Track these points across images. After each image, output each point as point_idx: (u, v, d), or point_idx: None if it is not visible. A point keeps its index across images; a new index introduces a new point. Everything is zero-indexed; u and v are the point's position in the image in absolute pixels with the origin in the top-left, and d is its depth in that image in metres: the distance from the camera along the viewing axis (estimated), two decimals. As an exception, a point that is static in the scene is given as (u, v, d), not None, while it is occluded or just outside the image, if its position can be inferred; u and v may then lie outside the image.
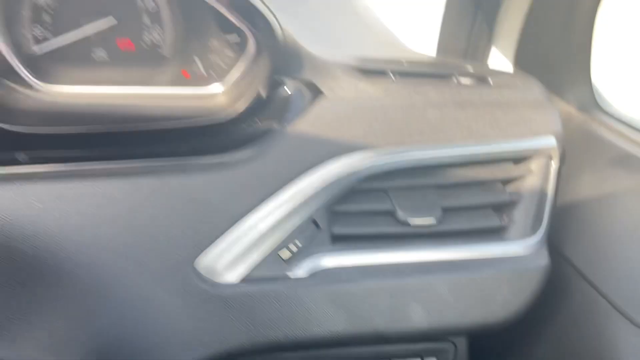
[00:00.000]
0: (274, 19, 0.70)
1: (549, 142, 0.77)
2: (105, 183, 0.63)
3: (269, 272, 0.67)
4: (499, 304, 0.72)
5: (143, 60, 0.79)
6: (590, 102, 0.87)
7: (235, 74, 0.78)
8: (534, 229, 0.75)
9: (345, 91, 0.76)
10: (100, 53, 0.79)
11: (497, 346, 0.85)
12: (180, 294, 0.63)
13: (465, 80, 0.83)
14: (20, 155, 0.70)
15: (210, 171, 0.66)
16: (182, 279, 0.63)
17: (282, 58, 0.73)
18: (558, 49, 0.86)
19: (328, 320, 0.67)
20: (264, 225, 0.66)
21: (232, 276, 0.65)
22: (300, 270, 0.68)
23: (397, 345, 0.78)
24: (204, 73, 0.80)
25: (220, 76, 0.79)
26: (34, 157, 0.70)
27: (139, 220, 0.62)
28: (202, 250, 0.63)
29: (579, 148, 0.82)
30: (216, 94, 0.79)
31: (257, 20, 0.70)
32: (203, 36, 0.78)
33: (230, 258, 0.65)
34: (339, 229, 0.70)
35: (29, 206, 0.60)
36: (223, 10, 0.72)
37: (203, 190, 0.65)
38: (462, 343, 0.80)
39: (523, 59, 0.90)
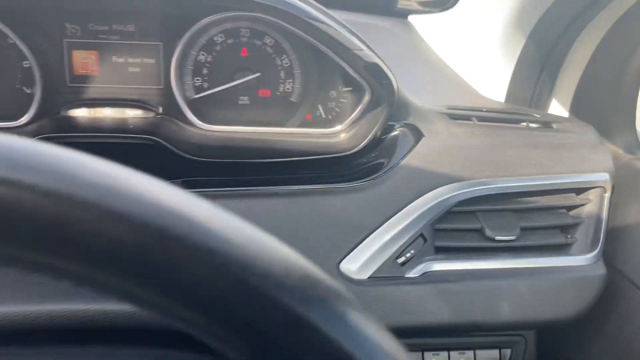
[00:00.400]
0: (393, 78, 0.91)
1: (604, 177, 0.96)
2: (271, 201, 0.83)
3: (390, 273, 0.86)
4: (566, 304, 0.90)
5: (276, 105, 1.00)
6: (635, 145, 1.06)
7: (352, 118, 0.98)
8: (592, 246, 0.94)
9: (440, 133, 0.96)
10: (244, 99, 1.00)
11: (561, 340, 1.03)
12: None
13: (533, 125, 1.03)
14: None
15: (346, 194, 0.86)
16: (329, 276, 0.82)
17: (395, 107, 0.93)
18: (608, 100, 1.06)
19: (435, 311, 0.86)
20: (387, 237, 0.86)
21: (364, 275, 0.85)
22: (413, 272, 0.87)
23: (477, 338, 0.96)
24: (324, 117, 1.00)
25: (339, 120, 1.00)
26: (201, 181, 0.91)
27: (297, 230, 0.82)
28: (345, 256, 0.83)
29: (626, 182, 1.01)
30: (337, 133, 0.99)
31: (381, 79, 0.90)
32: (325, 87, 0.99)
33: (362, 261, 0.84)
34: (440, 242, 0.89)
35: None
36: (349, 69, 0.93)
37: (342, 209, 0.85)
38: (531, 336, 0.98)
39: (578, 108, 1.10)
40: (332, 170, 0.94)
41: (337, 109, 1.00)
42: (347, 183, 0.87)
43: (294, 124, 1.00)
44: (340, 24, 0.88)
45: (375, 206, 0.87)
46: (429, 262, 0.88)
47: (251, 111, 1.00)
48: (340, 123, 0.99)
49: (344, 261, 0.83)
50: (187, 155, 0.89)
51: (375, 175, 0.89)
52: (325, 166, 0.94)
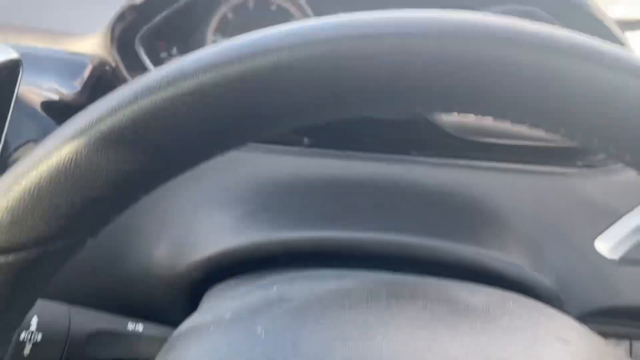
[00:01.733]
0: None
1: None
2: (532, 178, 0.91)
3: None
4: None
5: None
6: None
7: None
8: None
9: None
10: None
11: None
12: (579, 260, 0.89)
13: None
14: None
15: (594, 177, 0.93)
16: (584, 251, 0.89)
17: None
18: None
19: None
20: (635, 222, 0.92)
21: (616, 255, 0.90)
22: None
23: None
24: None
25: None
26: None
27: (555, 207, 0.90)
28: (599, 234, 0.90)
29: None
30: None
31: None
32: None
33: (615, 241, 0.91)
34: None
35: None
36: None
37: (591, 191, 0.92)
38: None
39: None
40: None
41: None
42: (598, 168, 0.94)
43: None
44: None
45: (626, 190, 0.92)
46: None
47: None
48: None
49: (597, 240, 0.90)
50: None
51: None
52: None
